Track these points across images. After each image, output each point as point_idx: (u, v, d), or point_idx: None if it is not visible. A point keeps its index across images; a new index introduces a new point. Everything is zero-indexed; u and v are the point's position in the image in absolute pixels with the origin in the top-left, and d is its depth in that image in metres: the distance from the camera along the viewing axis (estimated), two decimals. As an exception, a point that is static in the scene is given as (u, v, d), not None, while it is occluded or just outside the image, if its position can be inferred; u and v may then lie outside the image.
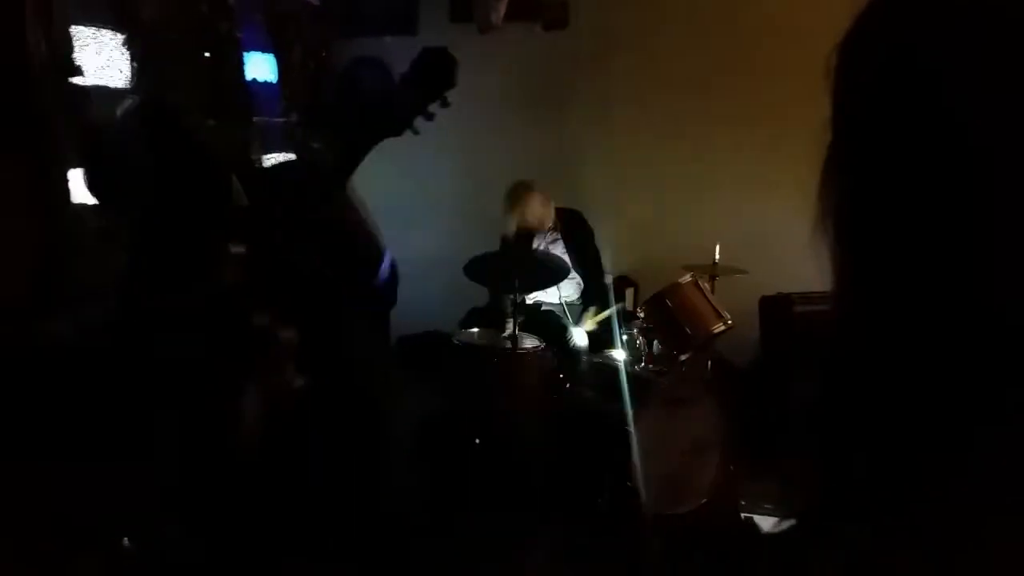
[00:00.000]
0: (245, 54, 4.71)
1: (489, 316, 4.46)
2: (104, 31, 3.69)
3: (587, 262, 4.55)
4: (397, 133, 1.85)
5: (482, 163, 5.17)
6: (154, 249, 2.04)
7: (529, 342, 3.99)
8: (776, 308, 4.15)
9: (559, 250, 4.51)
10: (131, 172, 1.99)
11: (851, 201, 0.57)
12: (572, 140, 5.12)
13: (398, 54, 5.82)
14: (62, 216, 3.60)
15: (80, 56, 3.58)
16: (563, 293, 4.41)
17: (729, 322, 3.70)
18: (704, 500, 3.23)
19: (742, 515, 3.29)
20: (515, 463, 3.73)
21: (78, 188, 3.68)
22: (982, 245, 0.50)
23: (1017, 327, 0.48)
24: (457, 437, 3.87)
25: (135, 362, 2.05)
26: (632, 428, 3.41)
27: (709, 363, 3.91)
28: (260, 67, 4.86)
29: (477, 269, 4.03)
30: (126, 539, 3.09)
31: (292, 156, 5.14)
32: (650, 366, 3.84)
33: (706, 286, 3.86)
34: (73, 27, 3.54)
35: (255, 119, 4.81)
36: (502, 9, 5.12)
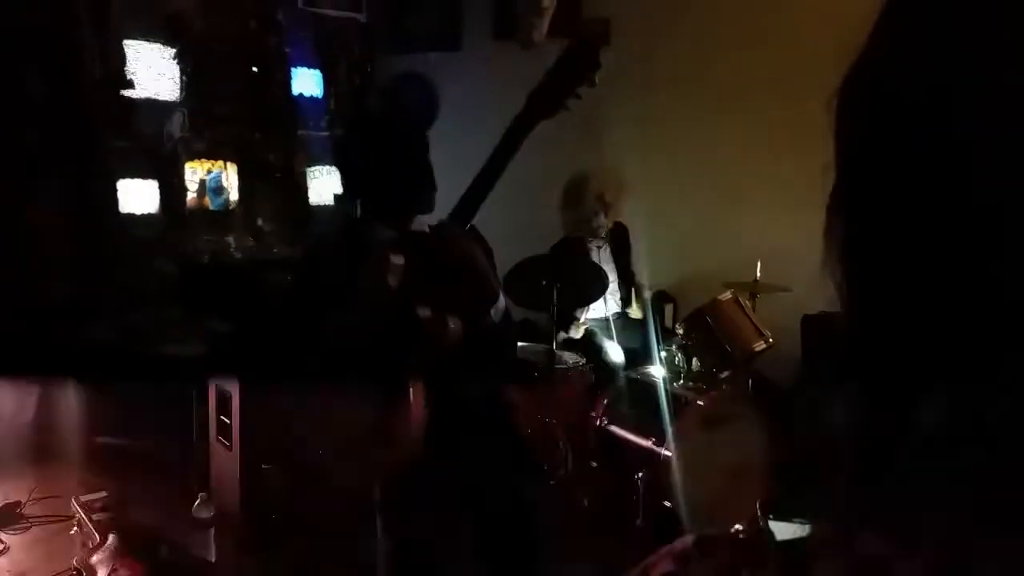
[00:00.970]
0: (292, 69, 4.79)
1: (530, 330, 4.45)
2: (156, 45, 3.79)
3: (627, 278, 4.54)
4: (550, 115, 2.19)
5: (522, 177, 5.17)
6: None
7: (569, 358, 3.98)
8: (818, 327, 4.10)
9: (607, 260, 4.49)
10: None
11: (856, 239, 0.58)
12: (612, 155, 5.11)
13: (441, 69, 5.88)
14: (109, 225, 3.68)
15: (132, 69, 3.67)
16: (609, 308, 4.39)
17: (770, 340, 3.66)
18: (744, 521, 3.19)
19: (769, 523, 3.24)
20: (551, 481, 3.71)
21: (126, 199, 3.78)
22: (988, 278, 0.50)
23: None
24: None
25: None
26: (671, 446, 3.38)
27: (750, 381, 3.87)
28: (307, 82, 4.94)
29: (517, 276, 3.82)
30: (164, 548, 3.14)
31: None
32: (689, 384, 3.81)
33: (747, 303, 3.82)
34: (126, 41, 3.64)
35: (300, 132, 4.88)
36: (544, 26, 5.15)
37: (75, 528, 3.20)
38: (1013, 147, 0.49)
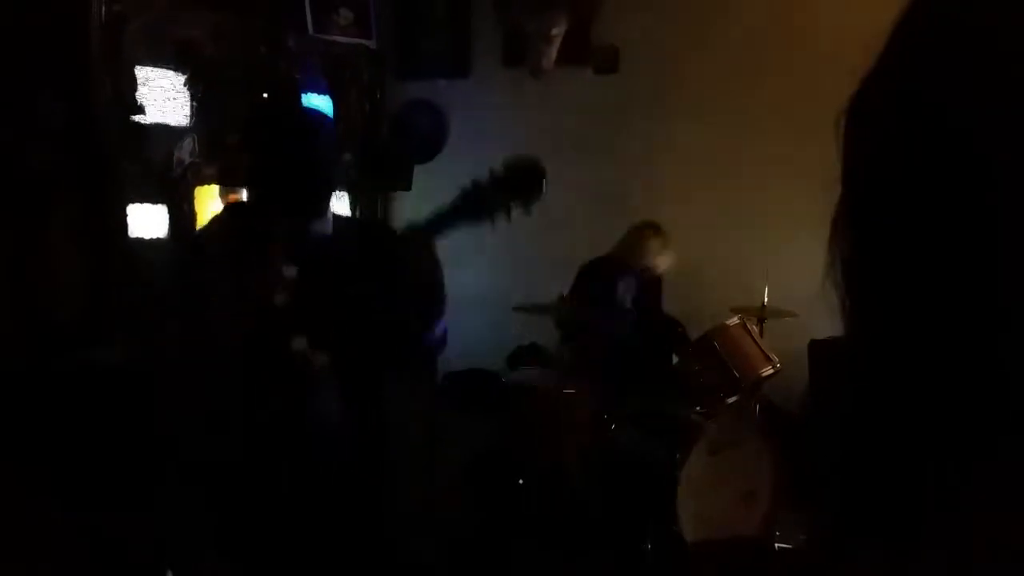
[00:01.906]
0: (302, 95, 4.82)
1: (536, 355, 4.45)
2: (166, 71, 3.82)
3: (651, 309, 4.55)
4: (479, 223, 2.00)
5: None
6: None
7: (576, 383, 3.97)
8: (826, 352, 4.08)
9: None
10: None
11: (860, 252, 0.58)
12: (620, 183, 5.13)
13: (451, 96, 5.92)
14: (118, 249, 3.70)
15: (142, 95, 3.71)
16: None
17: (778, 365, 3.65)
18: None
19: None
20: (559, 505, 3.70)
21: (135, 223, 3.79)
22: (996, 293, 0.50)
23: None
24: (501, 476, 3.85)
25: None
26: (678, 471, 3.36)
27: (757, 407, 3.86)
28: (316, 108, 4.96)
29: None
30: (169, 573, 3.12)
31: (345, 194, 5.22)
32: (696, 408, 3.79)
33: (754, 328, 3.82)
34: (137, 67, 3.67)
35: (310, 158, 4.90)
36: (553, 54, 5.18)
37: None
38: (1020, 162, 0.49)
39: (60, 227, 3.52)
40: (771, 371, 3.64)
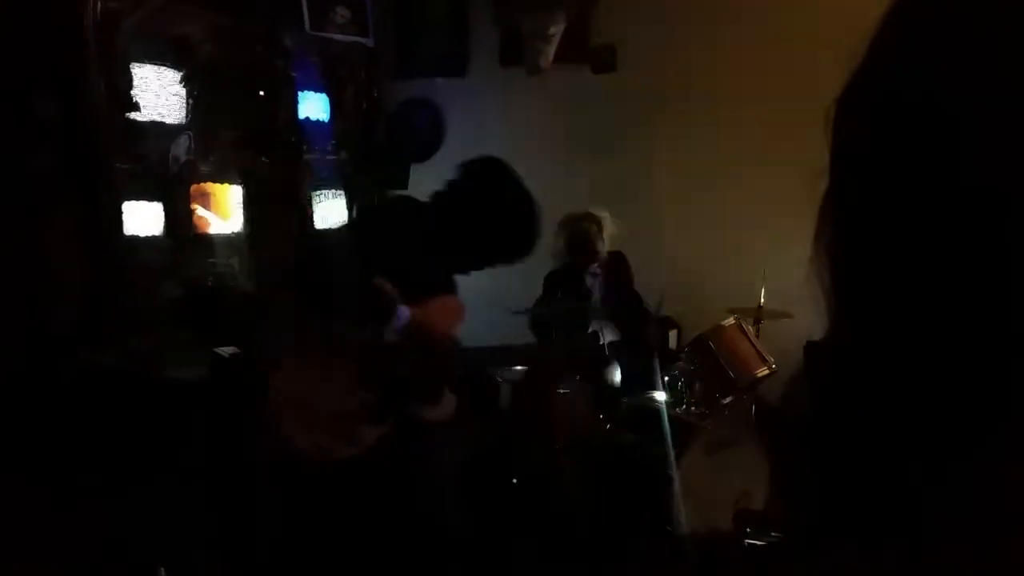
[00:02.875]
0: (299, 93, 4.82)
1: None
2: (162, 69, 3.82)
3: (631, 305, 4.53)
4: None
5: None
6: None
7: (569, 381, 3.97)
8: (822, 353, 4.08)
9: (600, 289, 4.49)
10: None
11: (846, 241, 0.58)
12: (617, 182, 5.13)
13: (447, 95, 5.91)
14: (114, 249, 3.69)
15: (138, 92, 3.70)
16: (604, 337, 4.38)
17: (773, 366, 3.65)
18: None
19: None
20: (553, 504, 3.69)
21: (131, 221, 3.79)
22: (982, 284, 0.50)
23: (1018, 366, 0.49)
24: (495, 476, 3.84)
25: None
26: (673, 471, 3.36)
27: (753, 407, 3.86)
28: (313, 106, 4.96)
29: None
30: (162, 570, 3.12)
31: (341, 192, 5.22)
32: (692, 409, 3.79)
33: (750, 329, 3.82)
34: (133, 64, 3.66)
35: (306, 156, 4.90)
36: (551, 53, 5.18)
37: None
38: (1010, 156, 0.49)
39: (56, 225, 3.51)
40: (767, 372, 3.64)
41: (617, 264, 4.57)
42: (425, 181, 5.40)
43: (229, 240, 4.40)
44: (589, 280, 4.50)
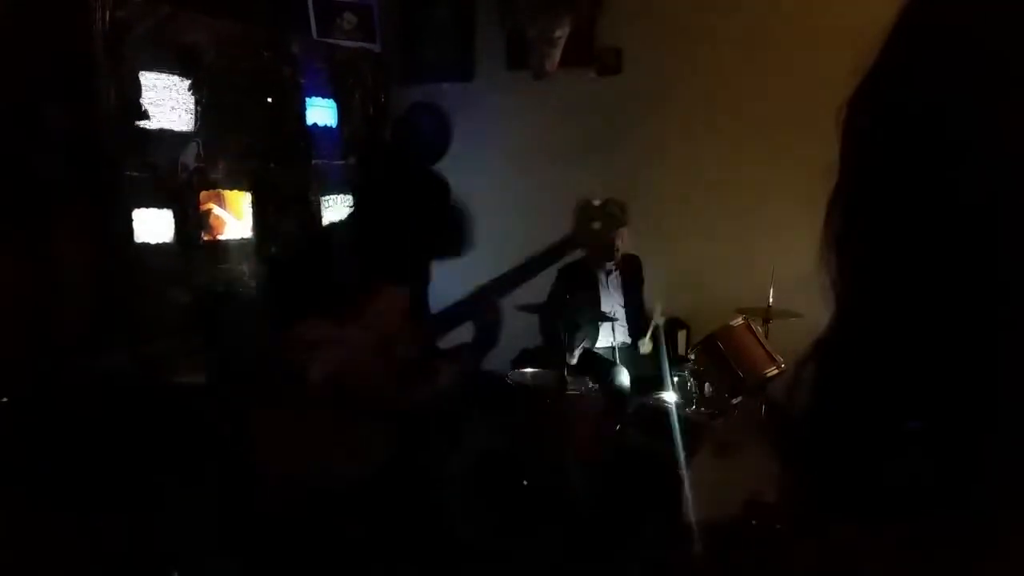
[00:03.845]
0: (306, 99, 4.84)
1: (542, 357, 4.45)
2: (170, 76, 3.83)
3: (638, 311, 4.55)
4: None
5: (533, 205, 5.20)
6: None
7: (580, 383, 3.98)
8: (828, 345, 4.07)
9: (617, 288, 4.49)
10: None
11: (854, 231, 0.60)
12: (625, 183, 5.13)
13: (454, 99, 5.91)
14: (124, 256, 3.71)
15: (147, 100, 3.72)
16: (616, 338, 4.38)
17: (782, 365, 3.65)
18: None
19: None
20: (563, 506, 3.70)
21: (141, 229, 3.81)
22: (984, 275, 0.51)
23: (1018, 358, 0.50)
24: (505, 477, 3.85)
25: None
26: (683, 472, 3.36)
27: (762, 407, 3.86)
28: (321, 112, 4.98)
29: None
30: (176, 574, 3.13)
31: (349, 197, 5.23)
32: (701, 409, 3.79)
33: (759, 329, 3.82)
34: (141, 72, 3.68)
35: (314, 162, 4.92)
36: (557, 56, 5.19)
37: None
38: (1013, 157, 0.50)
39: (66, 233, 3.53)
40: (776, 371, 3.64)
41: (632, 267, 4.58)
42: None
43: (239, 246, 4.41)
44: (603, 278, 4.50)
